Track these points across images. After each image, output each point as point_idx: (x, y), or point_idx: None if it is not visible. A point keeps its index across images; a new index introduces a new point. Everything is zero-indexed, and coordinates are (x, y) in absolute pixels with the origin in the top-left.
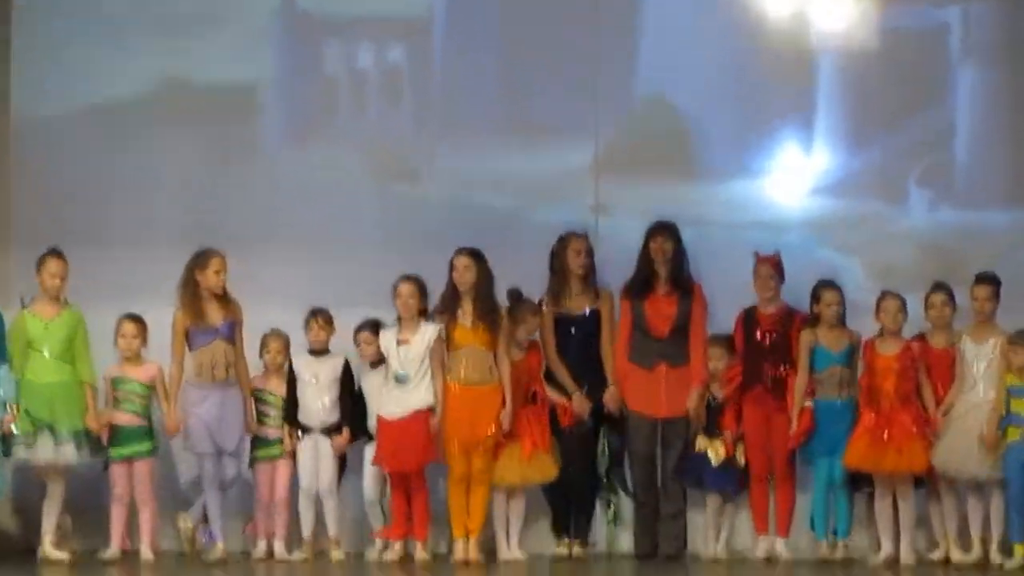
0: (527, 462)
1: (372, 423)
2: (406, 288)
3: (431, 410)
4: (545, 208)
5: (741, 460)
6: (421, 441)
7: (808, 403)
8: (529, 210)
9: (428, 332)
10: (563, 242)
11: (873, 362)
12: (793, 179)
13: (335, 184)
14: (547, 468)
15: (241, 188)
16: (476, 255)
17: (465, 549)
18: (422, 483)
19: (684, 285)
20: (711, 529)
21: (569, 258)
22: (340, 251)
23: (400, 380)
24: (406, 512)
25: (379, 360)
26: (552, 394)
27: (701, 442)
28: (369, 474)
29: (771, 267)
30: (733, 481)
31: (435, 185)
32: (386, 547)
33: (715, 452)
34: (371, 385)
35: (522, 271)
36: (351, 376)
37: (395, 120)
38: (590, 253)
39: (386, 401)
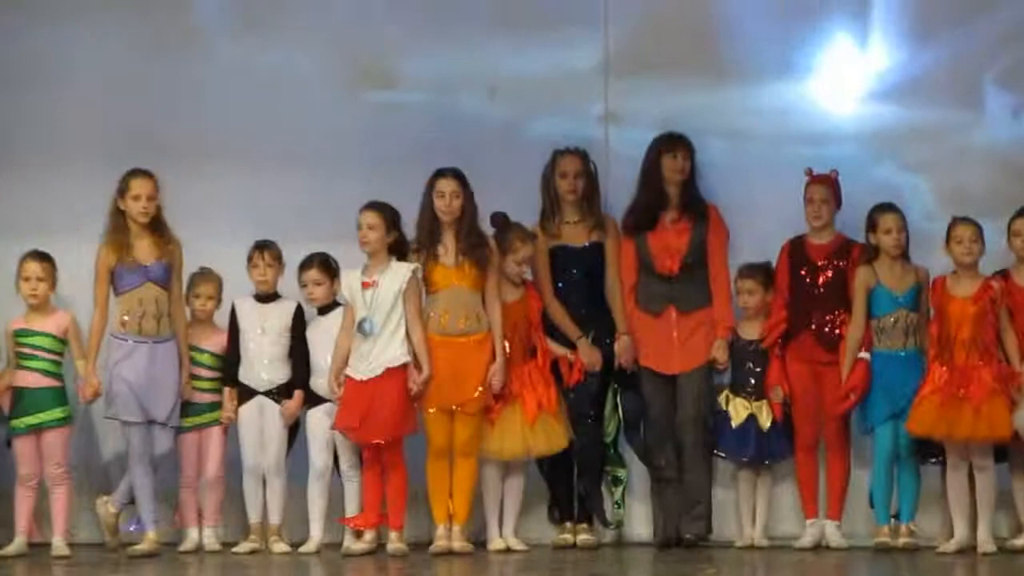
0: (531, 429)
1: (319, 382)
2: (370, 218)
3: (406, 368)
4: (545, 118)
5: (765, 423)
6: (397, 406)
7: (864, 355)
8: (525, 121)
9: (401, 272)
10: (549, 162)
11: (945, 305)
12: (845, 82)
13: (290, 87)
14: (556, 436)
15: (174, 89)
16: (462, 178)
17: (448, 537)
18: (399, 459)
19: (696, 209)
20: (745, 510)
21: (556, 180)
22: (294, 172)
23: (366, 331)
24: (379, 494)
25: (329, 305)
26: (553, 345)
27: (724, 399)
28: (318, 446)
29: (826, 188)
30: (766, 446)
31: (412, 90)
32: (357, 537)
33: (736, 411)
34: (316, 335)
35: (516, 196)
36: (304, 326)
37: (364, 9)
38: (584, 174)
39: (353, 357)
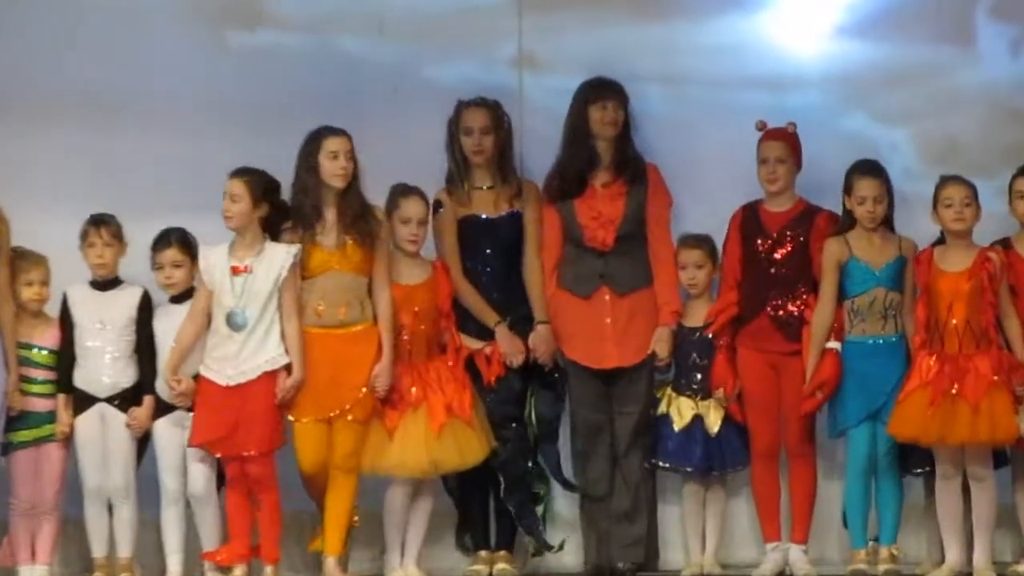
0: (437, 439)
1: (163, 386)
2: (235, 187)
3: (285, 371)
4: (446, 61)
5: (714, 426)
6: (272, 415)
7: (834, 344)
8: (423, 65)
9: (279, 257)
10: (453, 116)
11: (933, 282)
12: (807, 14)
13: (133, 24)
14: (471, 446)
15: None
16: (347, 135)
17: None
18: (271, 477)
19: (632, 169)
20: (693, 532)
21: (461, 138)
22: (141, 129)
23: (236, 325)
24: (248, 521)
25: (187, 292)
26: (466, 339)
27: (665, 399)
28: (170, 463)
29: (782, 144)
30: (716, 453)
31: (285, 30)
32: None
33: (679, 413)
34: (167, 327)
35: (414, 157)
36: (150, 318)
37: None
38: (493, 131)
39: (214, 356)
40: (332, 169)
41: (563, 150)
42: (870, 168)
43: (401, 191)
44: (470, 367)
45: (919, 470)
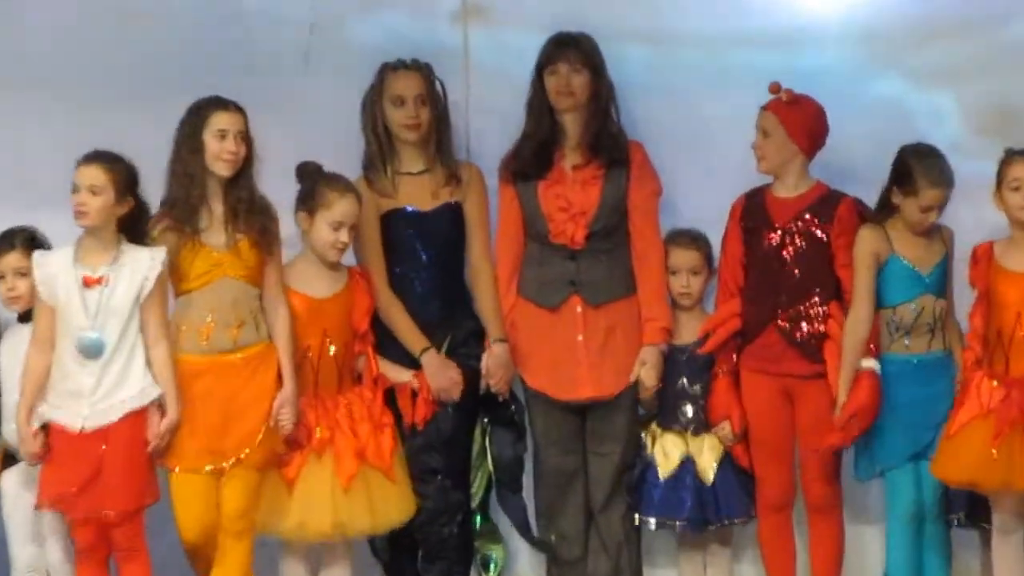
0: (345, 494)
1: (11, 428)
2: (91, 175)
3: (155, 408)
4: (370, 13)
5: (709, 470)
6: (140, 463)
7: (870, 363)
8: (340, 20)
9: (142, 264)
10: (377, 82)
11: (995, 285)
12: None
13: None
14: (391, 503)
15: None
16: (245, 114)
17: None
18: (139, 542)
19: (610, 149)
20: None
21: (387, 112)
22: None
23: (91, 352)
24: None
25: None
26: (387, 366)
27: (650, 437)
28: (19, 528)
29: (769, 114)
30: (712, 503)
31: None
32: None
33: (664, 454)
34: (14, 354)
35: (325, 135)
36: None
37: None
38: (429, 101)
39: (61, 392)
40: (218, 152)
41: (526, 122)
42: (942, 174)
43: (332, 185)
44: (391, 402)
45: (980, 526)
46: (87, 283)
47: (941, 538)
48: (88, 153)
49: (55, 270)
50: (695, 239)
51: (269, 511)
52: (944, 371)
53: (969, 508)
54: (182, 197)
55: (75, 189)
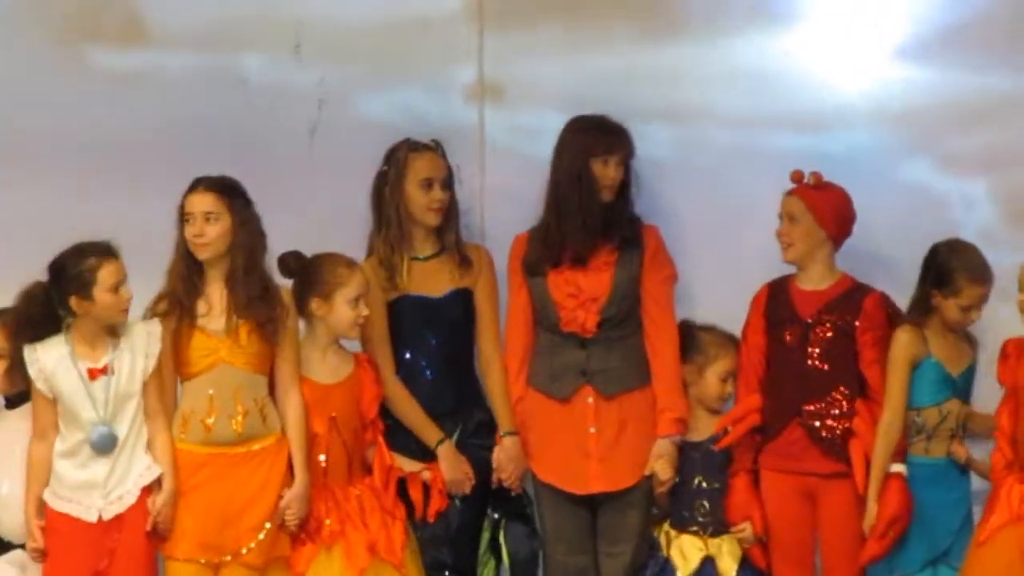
0: None
1: (4, 517)
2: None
3: (155, 486)
4: (381, 89)
5: (730, 572)
6: (146, 553)
7: (898, 468)
8: (350, 94)
9: (141, 339)
10: (396, 162)
11: None
12: (856, 33)
13: None
14: None
15: None
16: (229, 189)
17: None
18: None
19: (625, 233)
20: None
21: (410, 195)
22: None
23: (105, 446)
24: None
25: (24, 394)
26: (398, 457)
27: (665, 537)
28: None
29: (796, 199)
30: None
31: (169, 48)
32: None
33: (683, 556)
34: (3, 441)
35: (334, 214)
36: None
37: None
38: (449, 183)
39: (70, 484)
40: (189, 236)
41: (555, 211)
42: (983, 270)
43: (339, 263)
44: (401, 494)
45: None
46: (92, 375)
47: None
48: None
49: (52, 365)
50: (712, 338)
51: None
52: (962, 476)
53: None
54: (172, 284)
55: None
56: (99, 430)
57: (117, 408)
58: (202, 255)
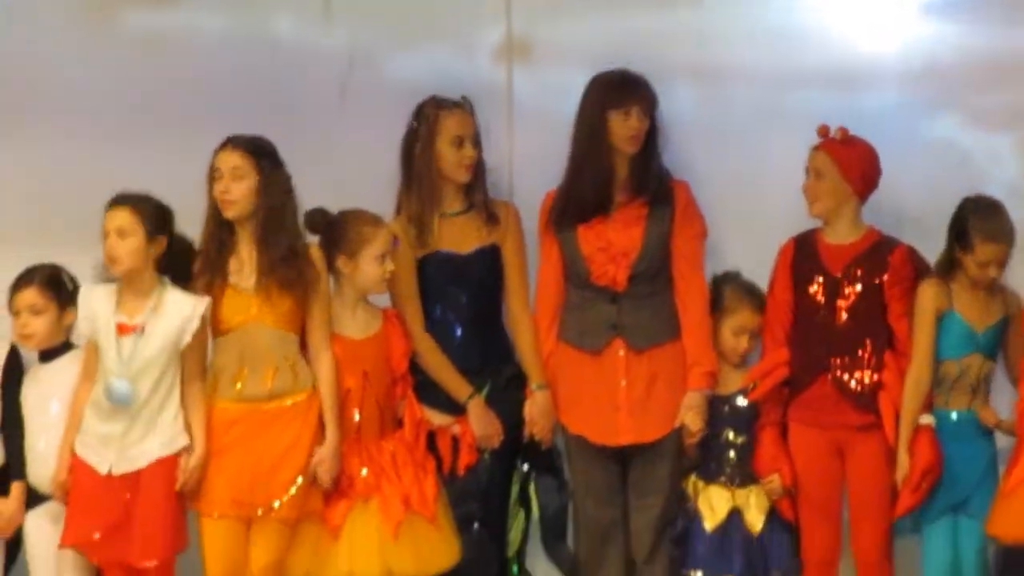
0: (394, 541)
1: (40, 471)
2: (119, 218)
3: (186, 450)
4: (410, 50)
5: (757, 523)
6: (169, 510)
7: (928, 419)
8: (380, 55)
9: (181, 312)
10: (426, 120)
11: None
12: None
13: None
14: (437, 549)
15: None
16: (257, 148)
17: None
18: None
19: (655, 188)
20: None
21: (441, 153)
22: (9, 135)
23: (120, 398)
24: None
25: (57, 348)
26: (428, 411)
27: (693, 488)
28: (43, 570)
29: (822, 154)
30: (760, 558)
31: (200, 10)
32: None
33: (711, 507)
34: (34, 395)
35: (364, 173)
36: (20, 380)
37: None
38: (479, 140)
39: (92, 434)
40: (216, 194)
41: (573, 166)
42: (997, 228)
43: (365, 220)
44: (430, 448)
45: None
46: (121, 330)
47: None
48: (115, 196)
49: (96, 310)
50: (762, 299)
51: (315, 559)
52: (978, 431)
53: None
54: (205, 246)
55: (105, 233)
56: (116, 384)
57: (141, 369)
58: (228, 212)
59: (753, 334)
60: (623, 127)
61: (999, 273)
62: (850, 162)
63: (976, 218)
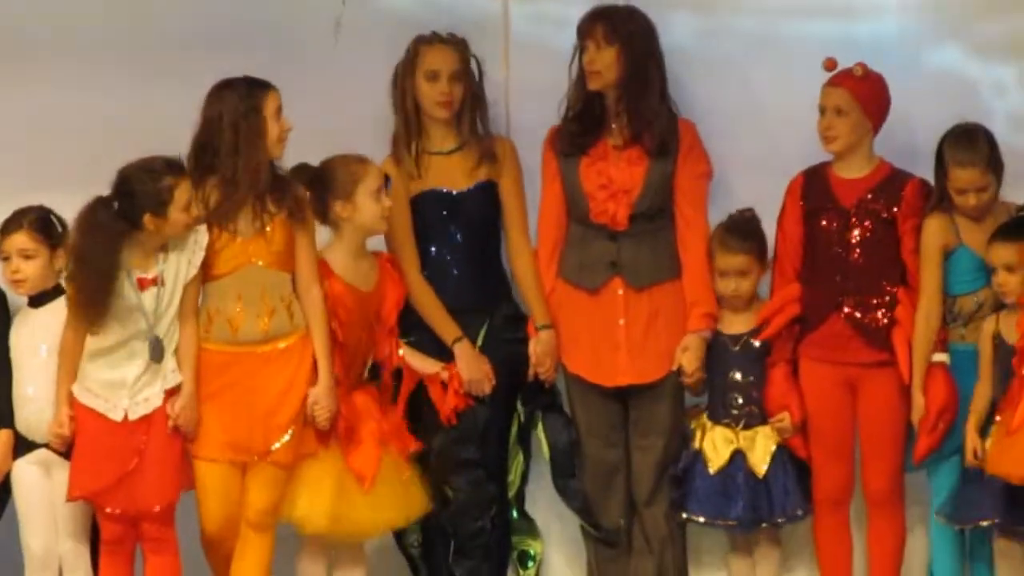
0: (376, 491)
1: (28, 416)
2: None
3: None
4: None
5: (762, 465)
6: (170, 453)
7: (941, 357)
8: None
9: (185, 247)
10: (407, 53)
11: None
12: None
13: None
14: (411, 499)
15: None
16: (255, 85)
17: None
18: (170, 534)
19: (657, 127)
20: None
21: (418, 87)
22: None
23: (157, 356)
24: None
25: (48, 292)
26: (415, 357)
27: (699, 430)
28: (34, 518)
29: (843, 91)
30: (765, 501)
31: None
32: None
33: (714, 448)
34: (24, 340)
35: (357, 110)
36: (7, 326)
37: None
38: (464, 76)
39: (100, 380)
40: (276, 134)
41: (571, 95)
42: (966, 153)
43: (352, 161)
44: (421, 398)
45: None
46: (142, 285)
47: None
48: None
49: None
50: (745, 239)
51: (340, 503)
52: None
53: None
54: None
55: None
56: (155, 340)
57: (162, 317)
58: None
59: (740, 274)
60: (588, 59)
61: (979, 200)
62: (871, 98)
63: (948, 145)
